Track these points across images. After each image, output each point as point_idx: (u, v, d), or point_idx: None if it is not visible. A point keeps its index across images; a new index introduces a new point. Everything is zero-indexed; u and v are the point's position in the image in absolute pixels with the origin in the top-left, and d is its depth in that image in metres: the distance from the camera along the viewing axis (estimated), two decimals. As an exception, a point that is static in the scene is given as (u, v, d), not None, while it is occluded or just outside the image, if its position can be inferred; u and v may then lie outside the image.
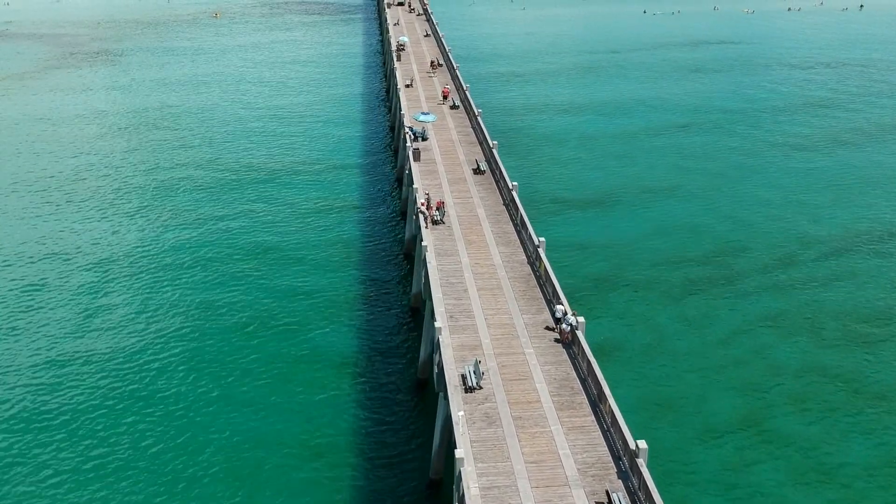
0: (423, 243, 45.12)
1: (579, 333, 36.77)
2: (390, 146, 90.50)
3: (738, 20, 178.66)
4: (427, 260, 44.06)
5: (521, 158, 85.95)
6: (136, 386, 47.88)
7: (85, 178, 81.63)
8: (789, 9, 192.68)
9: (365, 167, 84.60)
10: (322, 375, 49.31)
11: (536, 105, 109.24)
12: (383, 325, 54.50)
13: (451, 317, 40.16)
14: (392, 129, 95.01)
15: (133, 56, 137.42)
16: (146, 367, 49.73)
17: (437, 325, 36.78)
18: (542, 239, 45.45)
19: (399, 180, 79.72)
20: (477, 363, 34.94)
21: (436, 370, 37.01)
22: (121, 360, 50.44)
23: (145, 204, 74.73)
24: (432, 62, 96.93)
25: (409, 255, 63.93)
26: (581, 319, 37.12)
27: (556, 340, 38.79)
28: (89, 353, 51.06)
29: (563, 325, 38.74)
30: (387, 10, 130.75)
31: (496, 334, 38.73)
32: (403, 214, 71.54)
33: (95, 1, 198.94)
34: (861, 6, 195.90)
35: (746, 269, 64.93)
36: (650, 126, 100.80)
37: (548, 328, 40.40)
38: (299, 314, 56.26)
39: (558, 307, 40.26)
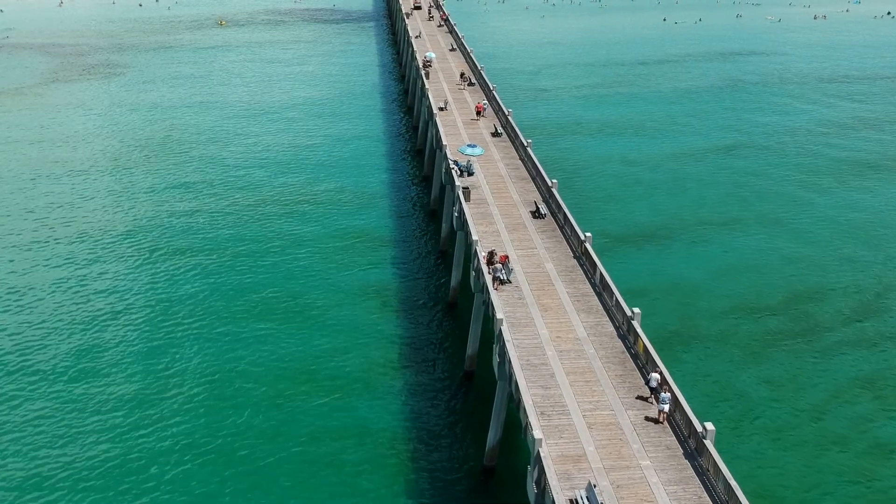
0: (498, 316, 38.44)
1: (708, 443, 30.16)
2: (419, 173, 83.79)
3: (764, 29, 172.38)
4: (503, 335, 37.42)
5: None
6: (152, 474, 41.18)
7: (86, 207, 74.69)
8: (815, 17, 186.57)
9: (393, 197, 77.74)
10: (368, 457, 42.51)
11: (568, 123, 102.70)
12: (435, 395, 47.65)
13: (543, 413, 33.52)
14: (420, 152, 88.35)
15: (137, 68, 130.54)
16: (163, 446, 42.91)
17: (536, 435, 30.10)
18: (636, 310, 38.84)
19: (433, 213, 73.12)
20: (591, 488, 28.31)
21: (533, 489, 30.41)
22: (134, 432, 43.66)
23: (153, 239, 67.51)
24: (462, 74, 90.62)
25: (453, 305, 57.32)
26: (710, 427, 30.50)
27: (650, 419, 33.31)
28: (100, 429, 44.24)
29: (662, 405, 33.33)
30: (406, 19, 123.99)
31: (601, 439, 32.09)
32: (443, 254, 64.98)
33: (97, 7, 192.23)
34: (889, 13, 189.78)
35: (826, 318, 58.47)
36: (694, 148, 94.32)
37: (639, 398, 34.81)
38: (336, 377, 49.40)
39: (653, 375, 34.89)
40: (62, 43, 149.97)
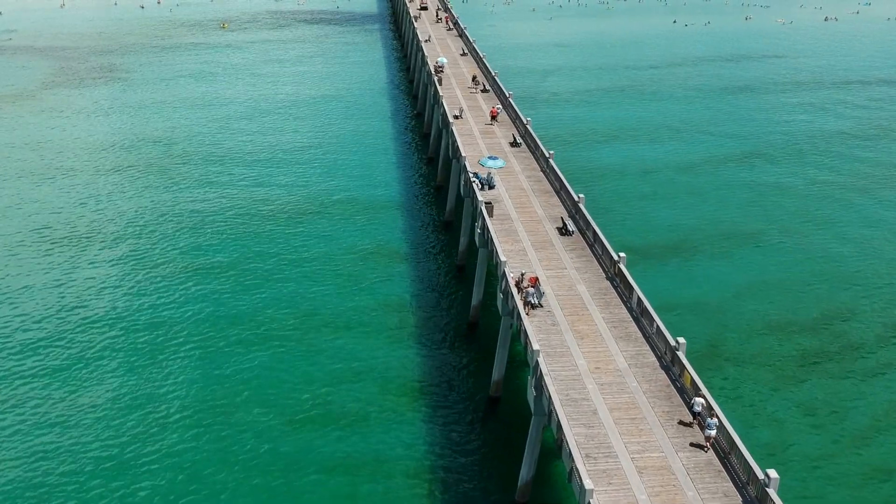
0: (535, 347, 36.06)
1: (772, 492, 27.85)
2: (431, 182, 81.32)
3: (774, 32, 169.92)
4: (541, 368, 35.06)
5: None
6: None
7: (88, 211, 72.37)
8: (826, 18, 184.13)
9: (405, 207, 75.26)
10: (388, 488, 40.27)
11: (581, 130, 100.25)
12: (459, 423, 45.26)
13: (588, 456, 31.17)
14: (431, 161, 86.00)
15: (138, 72, 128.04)
16: (170, 473, 40.55)
17: (586, 484, 27.77)
18: (681, 340, 36.50)
19: (447, 224, 70.78)
20: (650, 546, 26.05)
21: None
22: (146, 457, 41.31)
23: (158, 251, 65.09)
24: (474, 77, 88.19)
25: (474, 325, 54.94)
26: (773, 474, 28.17)
27: (695, 445, 31.65)
28: (112, 462, 41.88)
29: (709, 431, 31.63)
30: (414, 22, 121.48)
31: (653, 485, 29.76)
32: (460, 269, 62.66)
33: (98, 10, 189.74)
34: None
35: (862, 336, 56.18)
36: (712, 155, 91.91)
37: (682, 423, 33.07)
38: (351, 401, 47.09)
39: (697, 399, 33.09)
40: (63, 45, 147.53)
